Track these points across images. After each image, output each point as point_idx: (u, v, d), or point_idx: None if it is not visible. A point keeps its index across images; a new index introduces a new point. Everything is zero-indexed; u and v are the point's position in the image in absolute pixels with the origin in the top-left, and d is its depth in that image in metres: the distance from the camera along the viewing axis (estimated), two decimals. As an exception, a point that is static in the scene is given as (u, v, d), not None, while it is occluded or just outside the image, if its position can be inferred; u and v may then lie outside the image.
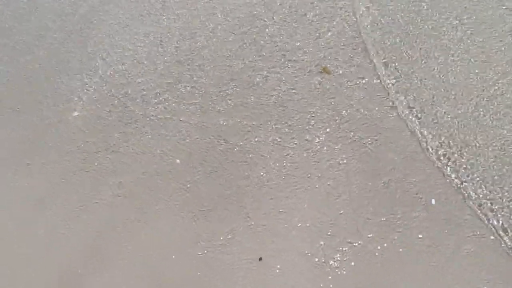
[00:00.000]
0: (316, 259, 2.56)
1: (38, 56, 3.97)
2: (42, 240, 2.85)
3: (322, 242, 2.61)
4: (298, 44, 3.49)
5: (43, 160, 3.24)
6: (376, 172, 2.80)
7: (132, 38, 3.89)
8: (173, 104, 3.43)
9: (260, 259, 2.60)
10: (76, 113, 3.48)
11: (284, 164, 2.96)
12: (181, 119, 3.33)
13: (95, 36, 3.98)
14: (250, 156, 3.03)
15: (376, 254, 2.54)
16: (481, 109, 2.92)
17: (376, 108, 3.05)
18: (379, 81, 3.16)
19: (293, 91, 3.28)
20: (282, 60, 3.45)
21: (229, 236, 2.70)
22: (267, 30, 3.67)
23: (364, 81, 3.19)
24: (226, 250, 2.66)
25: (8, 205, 3.05)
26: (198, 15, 3.92)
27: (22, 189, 3.12)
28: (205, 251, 2.67)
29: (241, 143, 3.12)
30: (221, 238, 2.70)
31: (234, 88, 3.41)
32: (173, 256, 2.68)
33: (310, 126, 3.09)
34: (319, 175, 2.86)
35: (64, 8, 4.26)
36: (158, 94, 3.50)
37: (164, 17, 3.99)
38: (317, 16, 3.61)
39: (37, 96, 3.66)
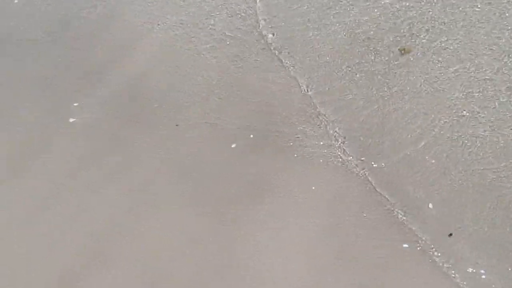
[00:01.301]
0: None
1: (41, 59, 3.99)
2: (42, 241, 2.83)
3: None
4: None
5: (43, 162, 3.23)
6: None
7: (140, 47, 3.92)
8: (174, 110, 3.44)
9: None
10: (72, 119, 3.48)
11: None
12: (182, 124, 3.34)
13: (102, 44, 4.00)
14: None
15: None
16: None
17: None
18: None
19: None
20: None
21: (233, 238, 2.69)
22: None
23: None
24: (229, 252, 2.65)
25: (8, 205, 3.03)
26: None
27: (22, 190, 3.10)
28: (208, 253, 2.66)
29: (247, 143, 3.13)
30: (225, 240, 2.69)
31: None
32: (176, 258, 2.66)
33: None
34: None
35: (71, 13, 4.28)
36: (157, 100, 3.52)
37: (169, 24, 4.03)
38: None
39: (37, 99, 3.67)
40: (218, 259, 2.62)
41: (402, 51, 3.11)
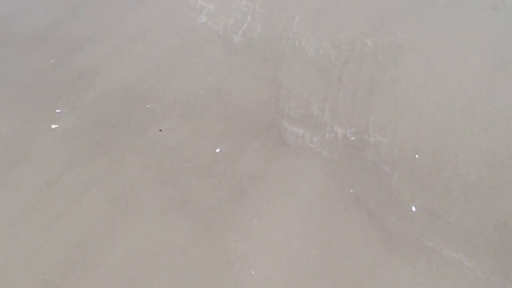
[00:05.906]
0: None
1: (23, 65, 3.96)
2: (21, 250, 2.73)
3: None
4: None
5: (23, 170, 3.09)
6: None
7: (124, 55, 3.92)
8: (157, 115, 3.41)
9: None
10: (54, 126, 3.40)
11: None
12: (165, 129, 3.29)
13: (88, 54, 3.99)
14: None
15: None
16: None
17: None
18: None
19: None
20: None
21: (217, 245, 2.58)
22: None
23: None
24: (213, 259, 2.55)
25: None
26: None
27: (0, 200, 3.02)
28: (193, 260, 2.57)
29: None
30: (209, 247, 2.58)
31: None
32: (159, 266, 2.59)
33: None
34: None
35: (55, 18, 4.28)
36: (140, 106, 3.47)
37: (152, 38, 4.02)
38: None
39: (18, 106, 3.59)
40: (203, 266, 2.55)
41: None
